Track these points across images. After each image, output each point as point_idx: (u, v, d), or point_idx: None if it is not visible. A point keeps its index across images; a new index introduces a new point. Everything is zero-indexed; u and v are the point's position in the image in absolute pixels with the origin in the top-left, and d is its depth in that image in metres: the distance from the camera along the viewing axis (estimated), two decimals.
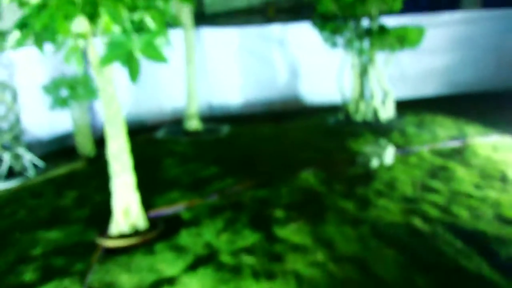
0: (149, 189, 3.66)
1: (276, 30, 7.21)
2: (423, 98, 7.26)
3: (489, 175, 3.95)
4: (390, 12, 5.72)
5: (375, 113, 5.99)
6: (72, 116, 5.08)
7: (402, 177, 3.99)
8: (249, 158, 4.65)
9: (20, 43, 2.26)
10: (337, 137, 5.25)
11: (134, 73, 2.43)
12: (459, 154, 4.54)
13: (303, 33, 6.90)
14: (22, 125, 4.71)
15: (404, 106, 6.71)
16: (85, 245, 3.10)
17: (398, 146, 4.77)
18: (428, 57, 7.30)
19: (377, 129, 5.58)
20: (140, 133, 6.26)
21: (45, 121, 5.40)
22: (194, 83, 5.84)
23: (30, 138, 5.12)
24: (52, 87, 4.71)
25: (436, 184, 3.82)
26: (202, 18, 8.58)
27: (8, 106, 4.48)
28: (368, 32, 5.52)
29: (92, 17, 2.30)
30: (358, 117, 6.05)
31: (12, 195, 4.22)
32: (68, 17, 2.26)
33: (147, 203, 3.45)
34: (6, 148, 4.48)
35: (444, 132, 5.34)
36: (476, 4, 9.29)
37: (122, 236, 3.08)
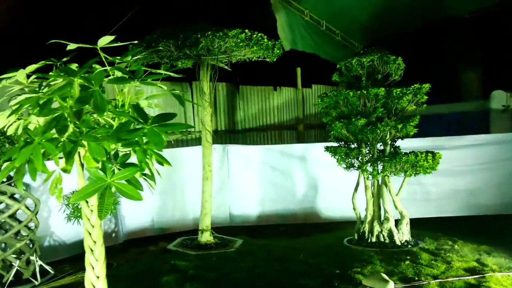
0: None
1: (297, 147, 7.57)
2: (446, 218, 7.09)
3: None
4: (405, 136, 5.83)
5: (390, 235, 5.81)
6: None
7: None
8: (251, 282, 4.57)
9: (2, 177, 2.57)
10: (346, 262, 5.08)
11: (105, 209, 2.60)
12: None
13: (323, 151, 7.17)
14: (37, 231, 5.05)
15: (426, 227, 6.55)
16: None
17: (405, 278, 4.53)
18: (453, 177, 7.20)
19: (389, 255, 5.36)
20: (159, 241, 6.50)
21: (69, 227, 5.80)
22: (209, 199, 6.07)
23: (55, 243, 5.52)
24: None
25: None
26: (234, 133, 9.14)
27: (27, 215, 4.87)
28: (380, 157, 5.59)
29: (70, 155, 2.58)
30: (373, 238, 5.88)
31: None
32: (47, 155, 2.56)
33: None
34: (17, 255, 4.78)
35: (461, 261, 5.01)
36: (505, 129, 9.23)
37: None
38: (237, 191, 7.61)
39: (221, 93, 8.93)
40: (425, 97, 5.58)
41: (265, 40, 5.33)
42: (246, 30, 5.09)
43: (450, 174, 7.18)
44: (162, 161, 2.92)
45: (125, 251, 6.17)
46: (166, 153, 7.71)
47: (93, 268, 3.15)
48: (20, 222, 4.83)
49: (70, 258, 5.65)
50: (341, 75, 5.92)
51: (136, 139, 2.82)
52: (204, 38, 4.85)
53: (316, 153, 7.21)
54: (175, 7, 8.87)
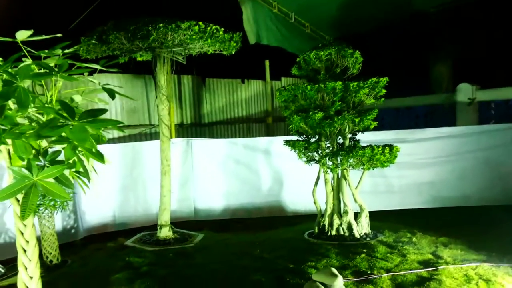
0: None
1: (262, 141, 7.53)
2: (409, 211, 7.16)
3: None
4: (365, 130, 5.84)
5: (349, 228, 5.84)
6: (39, 221, 5.25)
7: None
8: (202, 279, 4.52)
9: None
10: (303, 256, 5.08)
11: (29, 209, 2.49)
12: (424, 284, 4.24)
13: None
14: None
15: (387, 219, 6.62)
16: None
17: (358, 272, 4.55)
18: (416, 170, 7.27)
19: (346, 248, 5.38)
20: (119, 236, 6.40)
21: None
22: (167, 194, 5.99)
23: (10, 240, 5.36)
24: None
25: None
26: (200, 126, 9.04)
27: None
28: (338, 150, 5.58)
29: None
30: (333, 232, 5.90)
31: None
32: None
33: None
34: None
35: (417, 254, 5.06)
36: (470, 122, 9.38)
37: None
38: (202, 185, 7.55)
39: (187, 86, 8.80)
40: (383, 91, 5.58)
41: (221, 33, 5.23)
42: (200, 23, 4.98)
43: (413, 167, 7.26)
44: (94, 158, 2.82)
45: (83, 247, 6.06)
46: (128, 147, 7.55)
47: (26, 268, 3.05)
48: None
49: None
50: (300, 69, 5.88)
51: (64, 135, 2.72)
52: (155, 30, 4.73)
53: (280, 146, 7.14)
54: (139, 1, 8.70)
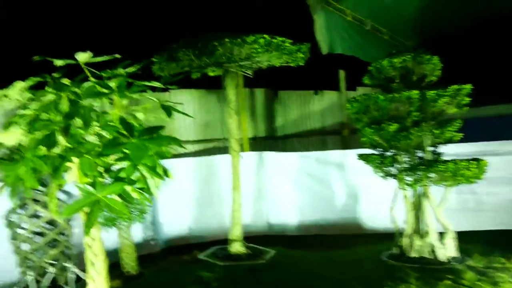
0: None
1: (335, 154, 7.25)
2: (502, 232, 6.34)
3: None
4: (448, 142, 5.34)
5: (433, 250, 5.32)
6: (119, 233, 5.51)
7: None
8: None
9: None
10: (378, 279, 4.72)
11: (91, 223, 2.57)
12: None
13: None
14: (72, 239, 5.22)
15: (477, 241, 5.94)
16: None
17: None
18: (510, 186, 6.46)
19: (429, 272, 4.90)
20: (194, 249, 6.50)
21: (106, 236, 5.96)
22: (238, 209, 5.97)
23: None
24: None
25: None
26: (273, 139, 8.98)
27: (61, 226, 5.05)
28: (416, 165, 5.15)
29: (57, 171, 2.58)
30: (414, 254, 5.42)
31: None
32: (37, 171, 2.59)
33: None
34: (51, 263, 4.97)
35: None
36: None
37: None
38: (275, 200, 7.46)
39: (259, 99, 8.81)
40: (467, 99, 5.06)
41: (287, 44, 5.13)
42: (266, 35, 4.93)
43: (507, 183, 6.47)
44: (154, 175, 2.84)
45: (160, 259, 6.23)
46: (202, 160, 7.68)
47: (94, 281, 3.15)
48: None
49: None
50: (372, 78, 5.56)
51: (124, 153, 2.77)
52: (221, 46, 4.77)
53: (355, 159, 6.85)
54: (213, 14, 8.93)
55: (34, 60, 2.75)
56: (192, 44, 4.95)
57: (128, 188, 2.79)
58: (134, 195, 2.83)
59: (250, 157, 7.40)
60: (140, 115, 3.34)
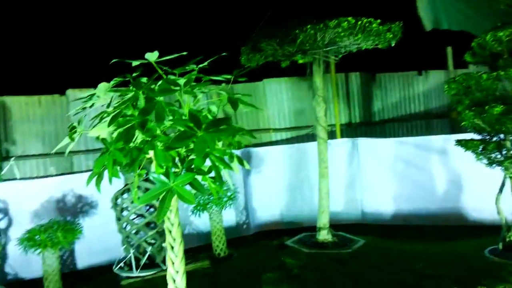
0: None
1: (437, 140, 6.69)
2: None
3: None
4: None
5: None
6: (210, 217, 5.84)
7: None
8: None
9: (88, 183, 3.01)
10: (475, 276, 4.29)
11: (164, 211, 2.78)
12: None
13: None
14: None
15: None
16: None
17: None
18: None
19: None
20: (284, 234, 6.63)
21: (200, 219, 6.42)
22: (325, 197, 5.89)
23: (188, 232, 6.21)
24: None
25: None
26: (370, 125, 8.60)
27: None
28: None
29: (134, 162, 2.85)
30: None
31: (145, 282, 5.09)
32: (117, 163, 2.88)
33: None
34: (150, 243, 5.49)
35: None
36: None
37: None
38: (370, 187, 7.18)
39: (355, 83, 8.48)
40: None
41: (374, 25, 4.83)
42: (349, 18, 4.70)
43: None
44: (224, 166, 2.96)
45: (250, 243, 6.48)
46: (293, 148, 7.74)
47: (173, 263, 3.41)
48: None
49: (199, 247, 6.23)
50: (474, 55, 4.98)
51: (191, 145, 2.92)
52: (303, 33, 4.69)
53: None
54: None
55: (113, 62, 3.02)
56: (274, 33, 4.95)
57: (199, 177, 2.96)
58: (205, 183, 2.99)
59: (342, 144, 7.22)
60: (214, 108, 3.48)
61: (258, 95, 7.97)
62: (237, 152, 6.72)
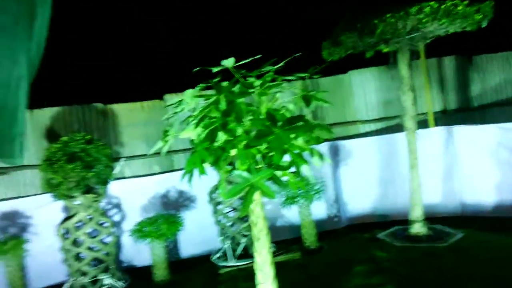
0: None
1: None
2: None
3: None
4: None
5: None
6: (300, 211, 6.00)
7: None
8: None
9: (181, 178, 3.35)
10: None
11: (247, 205, 3.00)
12: None
13: None
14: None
15: None
16: None
17: None
18: None
19: None
20: (376, 228, 6.54)
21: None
22: (417, 188, 5.69)
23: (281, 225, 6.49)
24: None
25: None
26: (468, 111, 8.01)
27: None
28: None
29: (217, 161, 3.13)
30: None
31: (241, 271, 5.43)
32: (204, 161, 3.19)
33: None
34: (244, 234, 5.82)
35: None
36: None
37: None
38: (469, 178, 6.73)
39: (448, 68, 7.95)
40: None
41: (460, 8, 4.55)
42: (432, 2, 4.49)
43: None
44: (301, 161, 3.12)
45: (341, 236, 6.51)
46: (383, 139, 7.65)
47: (259, 253, 3.65)
48: None
49: (291, 240, 6.42)
50: None
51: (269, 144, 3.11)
52: (382, 22, 4.60)
53: None
54: None
55: (196, 71, 3.33)
56: (353, 25, 4.93)
57: (279, 173, 3.15)
58: (285, 179, 3.17)
59: (436, 133, 6.87)
60: (291, 106, 3.64)
61: (343, 88, 7.91)
62: (322, 146, 6.78)
